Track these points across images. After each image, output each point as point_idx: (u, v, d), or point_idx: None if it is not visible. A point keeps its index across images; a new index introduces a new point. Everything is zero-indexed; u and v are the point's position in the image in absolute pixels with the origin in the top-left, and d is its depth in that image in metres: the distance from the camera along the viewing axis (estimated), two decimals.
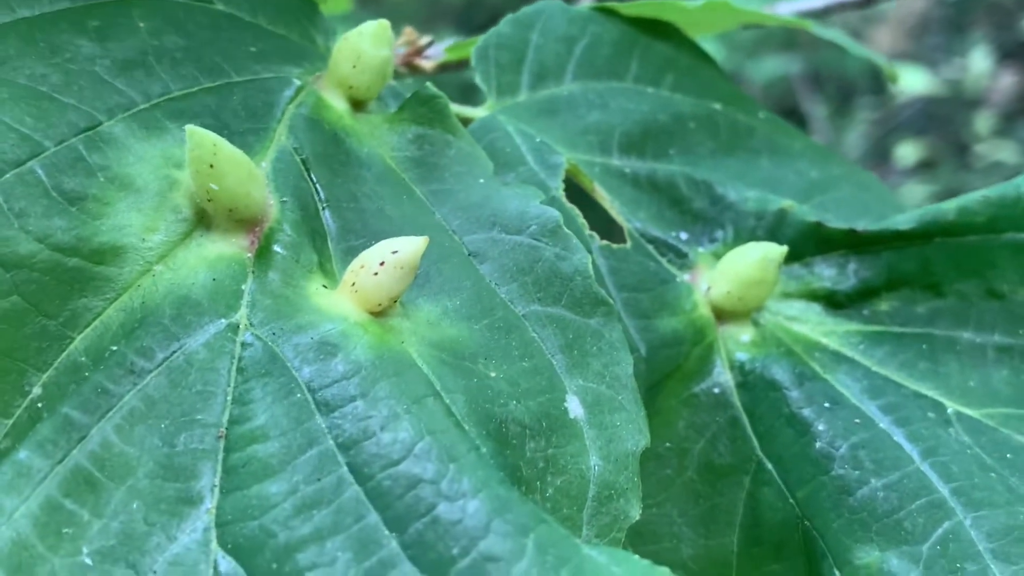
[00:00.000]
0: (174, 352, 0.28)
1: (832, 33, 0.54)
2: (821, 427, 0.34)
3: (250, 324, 0.28)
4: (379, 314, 0.29)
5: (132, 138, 0.30)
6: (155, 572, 0.25)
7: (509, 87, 0.40)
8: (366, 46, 0.34)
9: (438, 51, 0.45)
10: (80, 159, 0.29)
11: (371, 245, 0.29)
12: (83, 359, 0.28)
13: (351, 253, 0.30)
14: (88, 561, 0.25)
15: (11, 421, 0.27)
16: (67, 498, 0.25)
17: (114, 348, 0.27)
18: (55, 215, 0.28)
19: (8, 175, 0.28)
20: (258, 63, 0.34)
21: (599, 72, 0.42)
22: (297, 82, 0.34)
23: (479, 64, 0.40)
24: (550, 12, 0.42)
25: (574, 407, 0.29)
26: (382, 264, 0.28)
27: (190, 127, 0.29)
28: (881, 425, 0.34)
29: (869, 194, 0.42)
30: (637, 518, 0.28)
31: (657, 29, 0.43)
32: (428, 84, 0.35)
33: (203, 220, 0.30)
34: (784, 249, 0.36)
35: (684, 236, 0.39)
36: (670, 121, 0.41)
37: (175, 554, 0.25)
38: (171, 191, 0.30)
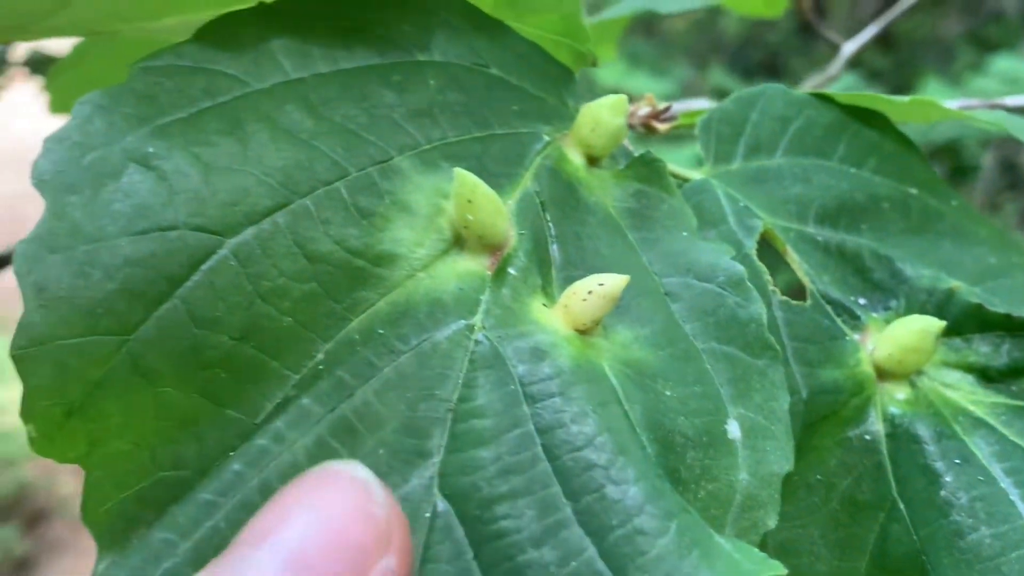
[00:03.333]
0: (424, 340, 0.34)
1: None
2: (948, 479, 0.38)
3: (483, 327, 0.34)
4: (584, 332, 0.34)
5: (414, 171, 0.37)
6: None
7: (725, 156, 0.46)
8: (604, 114, 0.40)
9: (673, 113, 0.50)
10: (374, 184, 0.36)
11: (585, 276, 0.35)
12: (356, 337, 0.34)
13: (569, 281, 0.36)
14: None
15: (299, 376, 0.34)
16: (333, 438, 0.32)
17: (380, 331, 0.34)
18: (350, 225, 0.35)
19: (320, 191, 0.35)
20: (518, 119, 0.40)
21: (808, 150, 0.46)
22: (546, 138, 0.40)
23: (702, 134, 0.46)
24: (771, 94, 0.47)
25: (733, 430, 0.34)
26: (590, 292, 0.34)
27: (457, 169, 0.35)
28: (1002, 484, 0.37)
29: None
30: (773, 527, 0.33)
31: (867, 117, 0.47)
32: (650, 150, 0.41)
33: (458, 242, 0.36)
34: (942, 324, 0.40)
35: (862, 302, 0.43)
36: (866, 200, 0.45)
37: (406, 492, 0.32)
38: (438, 216, 0.36)
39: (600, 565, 0.29)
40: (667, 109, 0.49)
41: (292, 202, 0.35)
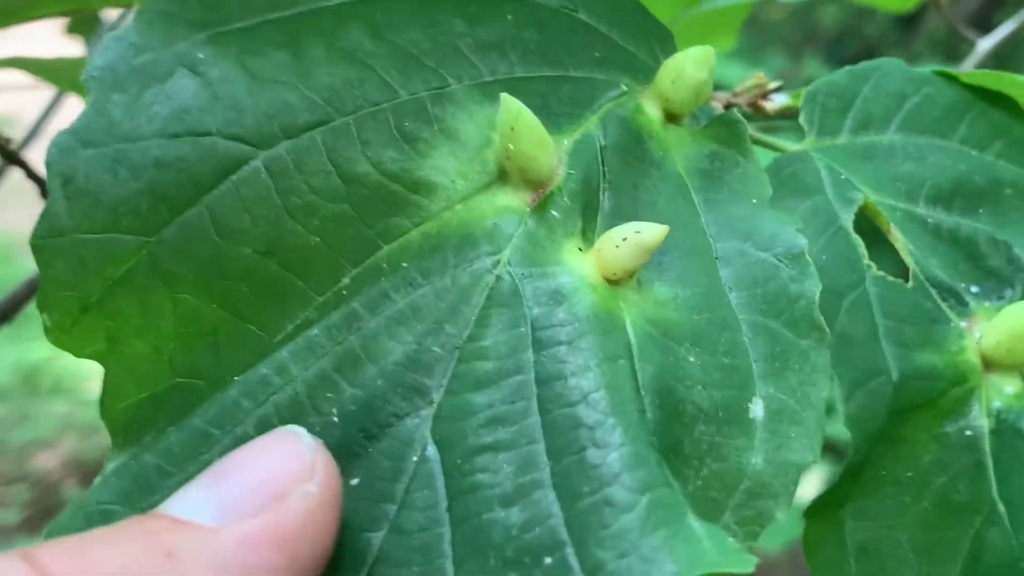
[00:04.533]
0: (445, 273, 0.30)
1: None
2: None
3: (508, 263, 0.30)
4: (614, 282, 0.30)
5: (470, 101, 0.33)
6: (378, 439, 0.28)
7: (830, 129, 0.39)
8: (688, 66, 0.35)
9: (783, 97, 0.44)
10: (423, 109, 0.32)
11: None
12: (384, 265, 0.31)
13: None
14: (336, 420, 0.28)
15: (322, 299, 0.31)
16: (336, 372, 0.29)
17: (405, 265, 0.30)
18: (390, 148, 0.31)
19: (364, 111, 0.32)
20: (597, 66, 0.36)
21: (924, 129, 0.39)
22: (624, 88, 0.35)
23: (806, 105, 0.39)
24: (887, 69, 0.40)
25: (756, 409, 0.28)
26: (624, 239, 0.29)
27: (505, 94, 0.31)
28: None
29: None
30: (780, 520, 0.27)
31: (995, 98, 0.40)
32: (734, 110, 0.35)
33: (502, 176, 0.32)
34: None
35: (975, 289, 0.36)
36: (986, 184, 0.38)
37: (397, 430, 0.28)
38: (486, 148, 0.32)
39: (563, 534, 0.24)
40: (778, 88, 0.43)
41: (333, 120, 0.31)
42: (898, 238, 0.37)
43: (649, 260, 0.30)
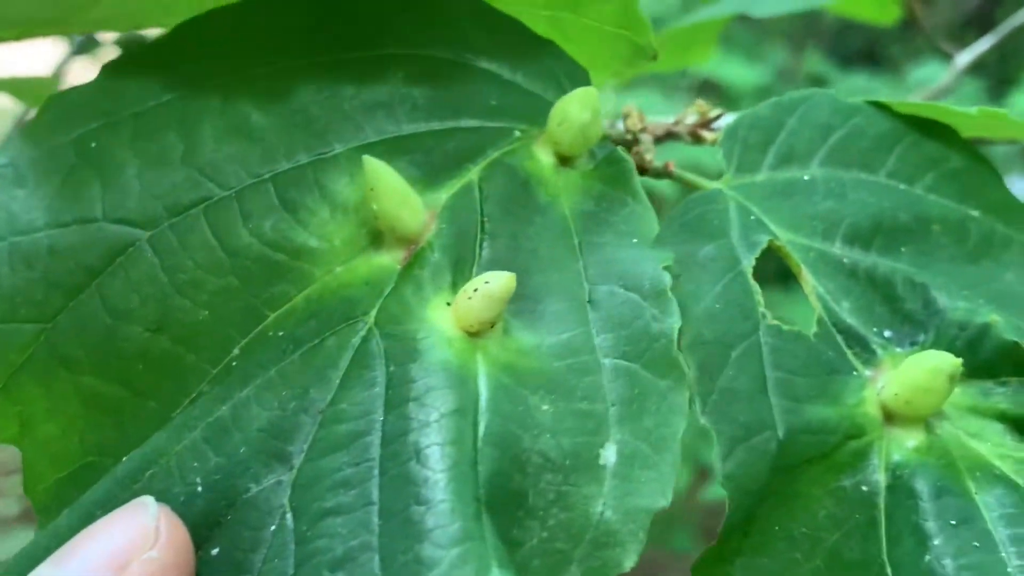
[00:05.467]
0: (316, 338, 0.30)
1: None
2: (937, 542, 0.28)
3: (375, 324, 0.29)
4: (475, 334, 0.28)
5: (352, 164, 0.32)
6: (236, 507, 0.27)
7: (750, 165, 0.36)
8: (572, 109, 0.33)
9: (722, 123, 0.42)
10: (304, 177, 0.32)
11: None
12: (270, 334, 0.30)
13: None
14: (199, 489, 0.27)
15: (215, 371, 0.31)
16: (205, 443, 0.28)
17: (281, 334, 0.30)
18: (271, 217, 0.31)
19: (247, 183, 0.31)
20: (490, 115, 0.34)
21: (850, 163, 0.36)
22: (517, 134, 0.34)
23: (726, 141, 0.37)
24: (815, 101, 0.37)
25: (608, 455, 0.27)
26: (476, 291, 0.28)
27: (366, 156, 0.30)
28: (1001, 553, 0.27)
29: None
30: (628, 569, 0.25)
31: (931, 129, 0.37)
32: (618, 148, 0.34)
33: (377, 236, 0.31)
34: (957, 362, 0.30)
35: (888, 334, 0.33)
36: (911, 220, 0.35)
37: (255, 497, 0.27)
38: (363, 209, 0.32)
39: None
40: (719, 116, 0.41)
41: (215, 195, 0.31)
42: (808, 280, 0.34)
43: (519, 307, 0.29)
